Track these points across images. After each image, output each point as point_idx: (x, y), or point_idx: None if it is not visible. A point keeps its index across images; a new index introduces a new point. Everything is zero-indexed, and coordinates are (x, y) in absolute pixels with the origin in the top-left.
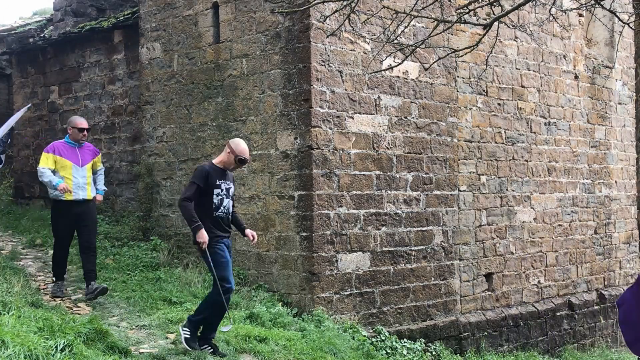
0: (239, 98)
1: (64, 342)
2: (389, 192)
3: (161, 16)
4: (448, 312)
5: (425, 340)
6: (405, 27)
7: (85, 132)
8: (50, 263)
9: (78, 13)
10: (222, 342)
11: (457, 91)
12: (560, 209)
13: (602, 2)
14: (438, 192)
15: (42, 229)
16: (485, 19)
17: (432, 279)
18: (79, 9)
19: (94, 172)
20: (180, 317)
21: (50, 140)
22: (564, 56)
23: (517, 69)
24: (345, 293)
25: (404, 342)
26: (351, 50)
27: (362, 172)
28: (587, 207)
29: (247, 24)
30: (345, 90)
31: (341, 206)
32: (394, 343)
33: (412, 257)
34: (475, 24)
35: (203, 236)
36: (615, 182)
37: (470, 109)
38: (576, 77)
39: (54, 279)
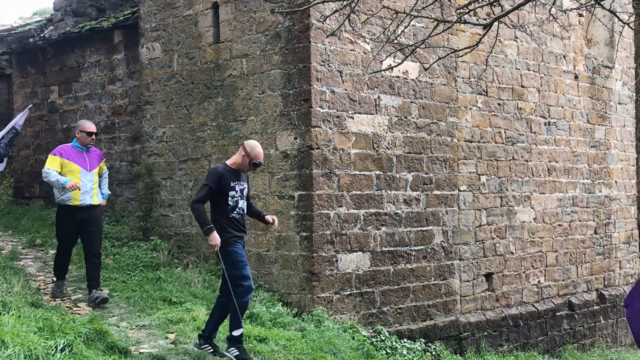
0: (239, 98)
1: (64, 342)
2: (389, 192)
3: (161, 16)
4: (448, 312)
5: (425, 340)
6: (405, 27)
7: (94, 136)
8: (51, 263)
9: (78, 13)
10: (223, 342)
11: (457, 91)
12: (560, 209)
13: (602, 2)
14: (438, 192)
15: (42, 229)
16: (485, 19)
17: (432, 279)
18: (79, 9)
19: (100, 176)
20: (180, 317)
21: (50, 140)
22: (564, 56)
23: (517, 69)
24: (345, 293)
25: (404, 342)
26: (351, 50)
27: (362, 172)
28: (587, 207)
29: (247, 24)
30: (345, 90)
31: (341, 206)
32: (394, 343)
33: (412, 257)
34: (475, 24)
35: (215, 239)
36: (615, 182)
37: (470, 109)
38: (576, 77)
39: (54, 278)
